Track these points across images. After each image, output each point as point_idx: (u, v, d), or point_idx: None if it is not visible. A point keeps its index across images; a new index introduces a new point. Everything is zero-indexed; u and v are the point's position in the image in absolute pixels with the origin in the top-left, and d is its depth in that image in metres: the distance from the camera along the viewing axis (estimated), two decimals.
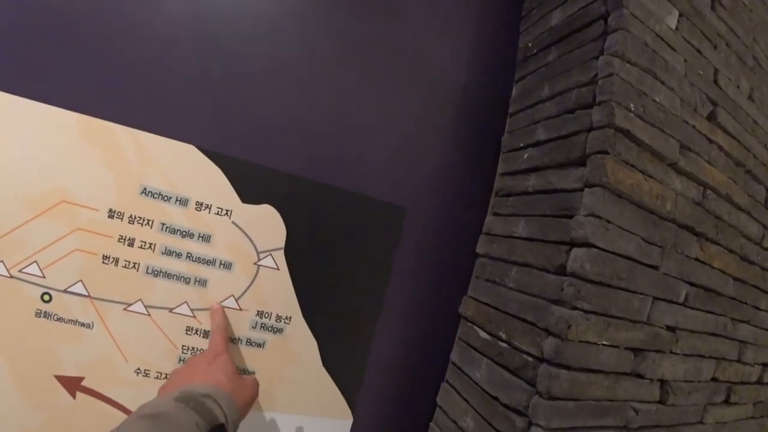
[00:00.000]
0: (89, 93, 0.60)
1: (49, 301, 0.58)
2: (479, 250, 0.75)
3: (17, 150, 0.57)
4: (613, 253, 0.57)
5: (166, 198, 0.61)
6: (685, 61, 0.65)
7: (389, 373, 0.72)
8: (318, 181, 0.67)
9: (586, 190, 0.57)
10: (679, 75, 0.64)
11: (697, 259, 0.66)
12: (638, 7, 0.61)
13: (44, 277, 0.58)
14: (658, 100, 0.61)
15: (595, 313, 0.56)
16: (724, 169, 0.69)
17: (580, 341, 0.55)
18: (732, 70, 0.71)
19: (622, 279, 0.58)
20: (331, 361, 0.68)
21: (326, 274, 0.67)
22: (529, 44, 0.75)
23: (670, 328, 0.64)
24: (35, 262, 0.57)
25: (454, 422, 0.67)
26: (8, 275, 0.56)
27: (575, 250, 0.56)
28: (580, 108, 0.62)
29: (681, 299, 0.64)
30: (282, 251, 0.65)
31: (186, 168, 0.62)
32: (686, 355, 0.66)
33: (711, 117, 0.67)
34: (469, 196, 0.76)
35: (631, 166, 0.58)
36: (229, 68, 0.64)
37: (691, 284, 0.65)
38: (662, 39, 0.62)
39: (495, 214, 0.74)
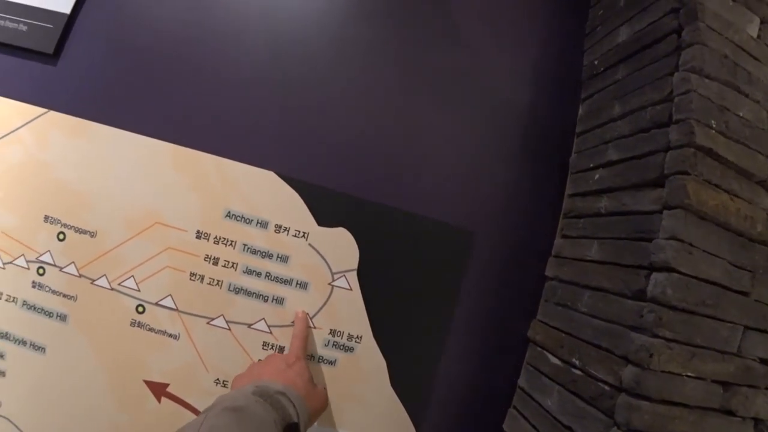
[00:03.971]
0: (181, 125, 0.66)
1: (142, 313, 0.64)
2: (548, 273, 0.73)
3: (120, 176, 0.65)
4: (697, 278, 0.53)
5: (247, 221, 0.66)
6: None
7: (456, 396, 0.71)
8: (389, 205, 0.69)
9: (666, 212, 0.55)
10: (765, 86, 0.60)
11: None
12: (715, 19, 0.58)
13: (139, 290, 0.64)
14: (742, 114, 0.58)
15: (678, 341, 0.53)
16: None
17: (663, 371, 0.52)
18: None
19: (707, 306, 0.54)
20: (399, 381, 0.68)
21: (396, 296, 0.69)
22: (595, 62, 0.74)
23: (765, 362, 0.58)
24: (132, 276, 0.64)
25: None
26: (110, 288, 0.63)
27: (655, 275, 0.54)
28: (655, 127, 0.59)
29: None
30: (355, 272, 0.67)
31: (266, 193, 0.66)
32: None
33: None
34: (537, 218, 0.75)
35: (715, 186, 0.55)
36: (304, 100, 0.69)
37: None
38: (743, 49, 0.59)
39: (564, 236, 0.73)
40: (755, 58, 0.60)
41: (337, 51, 0.71)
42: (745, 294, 0.56)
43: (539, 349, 0.69)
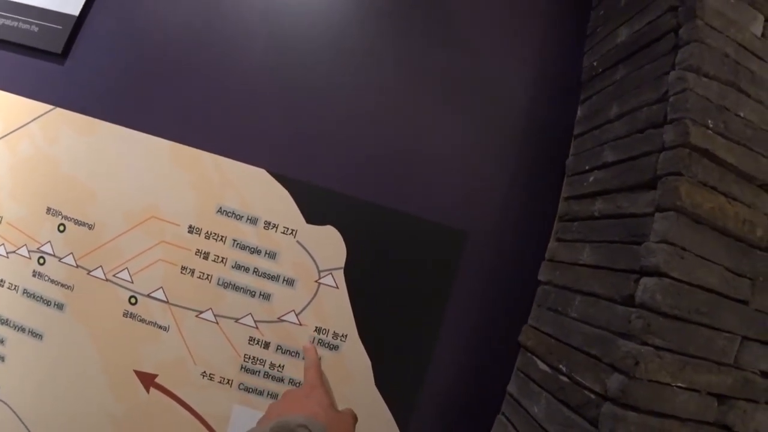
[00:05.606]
0: (180, 123, 0.68)
1: (135, 304, 0.65)
2: (541, 277, 0.71)
3: (120, 171, 0.67)
4: (690, 284, 0.51)
5: (238, 217, 0.67)
6: None
7: (443, 400, 0.70)
8: (380, 204, 0.69)
9: (658, 214, 0.53)
10: None
11: None
12: (715, 17, 0.56)
13: (132, 282, 0.65)
14: (743, 115, 0.55)
15: (668, 350, 0.50)
16: None
17: (651, 381, 0.50)
18: None
19: (702, 314, 0.52)
20: (384, 382, 0.67)
21: (383, 296, 0.68)
22: (595, 63, 0.73)
23: (765, 375, 0.55)
24: (126, 268, 0.66)
25: None
26: (105, 278, 0.65)
27: (645, 280, 0.52)
28: (650, 127, 0.58)
29: None
30: (342, 271, 0.67)
31: (257, 190, 0.67)
32: None
33: None
34: (534, 221, 0.74)
35: (712, 188, 0.53)
36: (299, 97, 0.70)
37: None
38: (746, 48, 0.57)
39: (559, 239, 0.71)
40: (760, 58, 0.58)
41: (331, 51, 0.72)
42: (744, 303, 0.54)
43: (529, 354, 0.67)
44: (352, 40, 0.72)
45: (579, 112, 0.75)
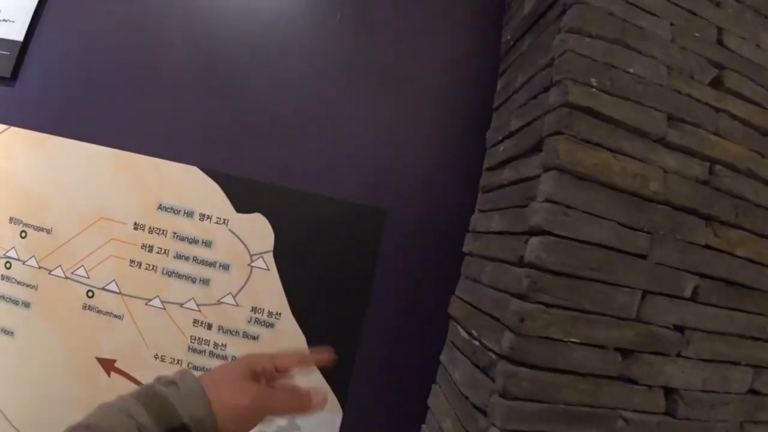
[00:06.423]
0: (121, 132, 0.74)
1: (92, 297, 0.72)
2: (465, 248, 0.73)
3: (72, 179, 0.73)
4: (578, 240, 0.52)
5: (176, 211, 0.72)
6: (672, 24, 0.58)
7: (381, 372, 0.73)
8: (303, 189, 0.73)
9: (543, 175, 0.54)
10: (663, 41, 0.57)
11: (709, 247, 0.56)
12: None
13: (89, 278, 0.72)
14: (633, 71, 0.55)
15: (559, 306, 0.52)
16: (743, 141, 0.58)
17: (540, 337, 0.51)
18: (745, 27, 0.61)
19: (595, 270, 0.52)
20: None
21: (312, 274, 0.73)
22: (509, 37, 0.73)
23: (678, 328, 0.55)
24: (83, 266, 0.72)
25: (438, 424, 0.66)
26: (64, 277, 0.72)
27: (531, 240, 0.53)
28: (542, 92, 0.59)
29: (687, 293, 0.55)
30: (271, 254, 0.72)
31: (191, 185, 0.73)
32: (704, 360, 0.56)
33: (716, 83, 0.58)
34: (461, 196, 0.75)
35: (596, 144, 0.53)
36: (221, 97, 0.75)
37: (702, 276, 0.56)
38: (635, 6, 0.57)
39: (480, 211, 0.72)
40: (651, 14, 0.58)
41: (248, 48, 0.76)
42: (642, 257, 0.54)
43: (455, 324, 0.69)
44: (269, 36, 0.76)
45: (498, 86, 0.76)
